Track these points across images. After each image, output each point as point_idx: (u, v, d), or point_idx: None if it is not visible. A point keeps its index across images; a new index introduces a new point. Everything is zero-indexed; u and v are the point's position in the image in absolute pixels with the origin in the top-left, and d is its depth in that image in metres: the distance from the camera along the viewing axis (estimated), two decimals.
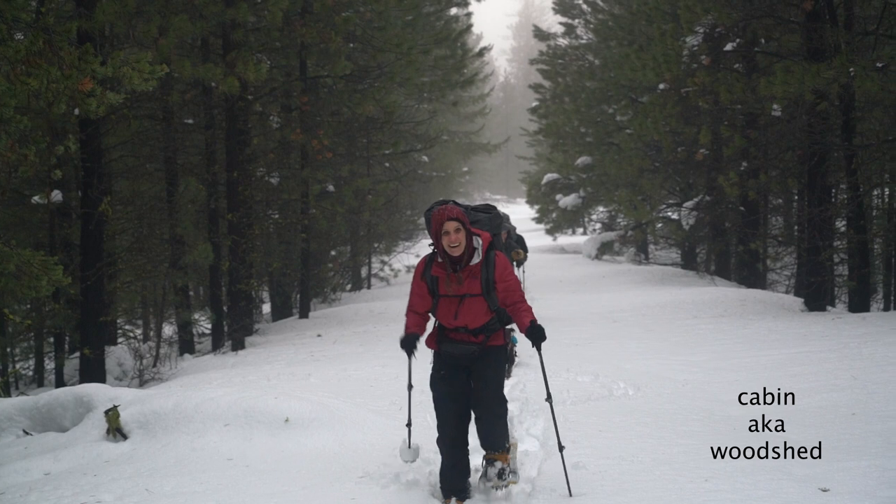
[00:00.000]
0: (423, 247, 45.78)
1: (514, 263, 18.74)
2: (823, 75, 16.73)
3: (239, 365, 17.12)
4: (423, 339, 7.68)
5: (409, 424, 8.13)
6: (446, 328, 7.59)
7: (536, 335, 7.34)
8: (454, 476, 7.59)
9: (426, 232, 8.43)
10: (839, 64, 16.61)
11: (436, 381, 7.67)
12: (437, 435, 7.71)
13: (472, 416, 7.74)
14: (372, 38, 24.68)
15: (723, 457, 8.29)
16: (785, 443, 8.62)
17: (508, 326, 7.87)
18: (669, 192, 35.16)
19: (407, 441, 8.03)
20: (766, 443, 8.67)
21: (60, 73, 9.42)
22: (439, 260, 7.40)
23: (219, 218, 21.80)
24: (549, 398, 7.87)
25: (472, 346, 7.47)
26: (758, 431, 9.22)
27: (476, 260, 7.36)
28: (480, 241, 7.43)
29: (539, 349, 7.51)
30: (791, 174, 24.03)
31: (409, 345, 7.62)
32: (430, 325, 7.78)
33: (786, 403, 10.46)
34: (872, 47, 17.72)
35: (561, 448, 7.71)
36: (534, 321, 7.36)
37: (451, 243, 7.23)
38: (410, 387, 8.27)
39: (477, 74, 42.19)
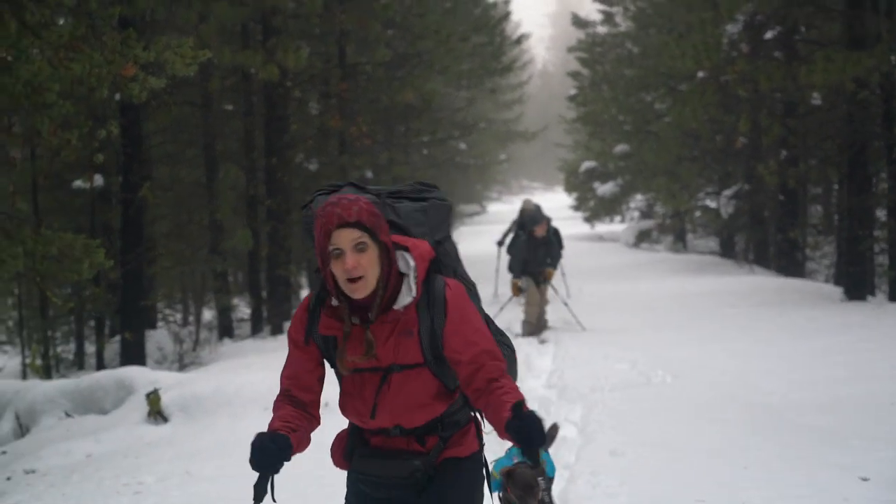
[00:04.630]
0: (464, 234, 45.58)
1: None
2: (864, 64, 16.60)
3: (278, 349, 17.12)
4: (302, 447, 3.92)
5: None
6: (363, 429, 4.05)
7: (528, 433, 3.42)
8: None
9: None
10: (880, 52, 16.48)
11: None
12: None
13: None
14: (411, 24, 24.65)
15: (761, 445, 8.27)
16: (824, 432, 8.60)
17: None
18: (708, 180, 35.00)
19: None
20: (805, 432, 8.65)
21: (103, 59, 9.48)
22: (333, 303, 3.80)
23: (258, 204, 21.85)
24: None
25: (411, 463, 3.90)
26: (796, 420, 9.18)
27: (406, 300, 3.75)
28: (412, 262, 3.79)
29: (535, 457, 3.45)
30: (831, 163, 23.87)
31: (265, 461, 3.71)
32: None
33: (825, 392, 10.42)
34: None
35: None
36: (521, 405, 3.47)
37: (347, 272, 3.61)
38: None
39: (515, 62, 42.09)
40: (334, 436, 4.22)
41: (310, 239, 3.99)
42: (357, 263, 3.60)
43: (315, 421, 3.99)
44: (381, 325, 3.75)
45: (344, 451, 4.14)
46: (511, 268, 16.57)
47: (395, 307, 3.75)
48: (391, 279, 3.74)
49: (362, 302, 3.72)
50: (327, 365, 4.00)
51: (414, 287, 3.75)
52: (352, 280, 3.63)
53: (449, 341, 3.76)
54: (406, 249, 3.82)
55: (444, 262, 4.03)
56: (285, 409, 3.90)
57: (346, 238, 3.60)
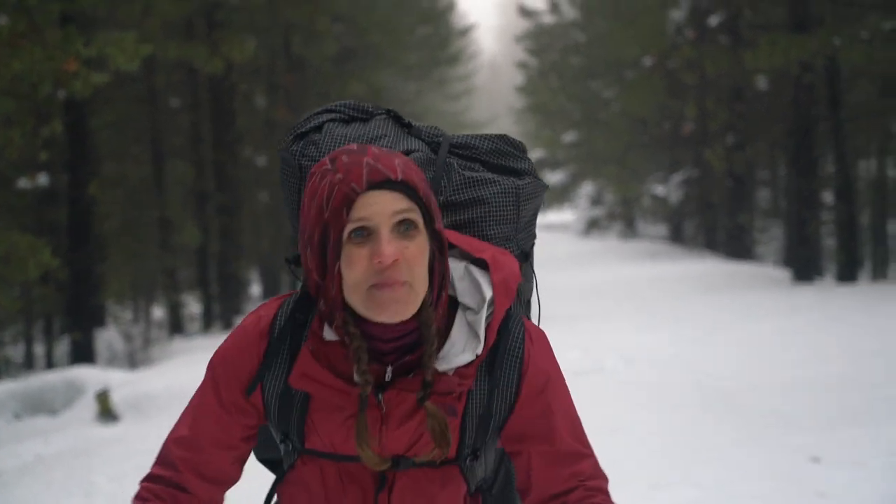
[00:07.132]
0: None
1: None
2: (808, 47, 16.73)
3: None
4: None
5: None
6: None
7: None
8: None
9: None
10: (824, 35, 16.61)
11: None
12: None
13: None
14: (358, 17, 24.60)
15: (715, 428, 8.31)
16: (775, 413, 8.65)
17: None
18: (657, 167, 35.19)
19: None
20: (757, 413, 8.69)
21: (44, 55, 9.39)
22: (326, 336, 1.92)
23: (207, 199, 21.74)
24: None
25: None
26: (748, 402, 9.23)
27: (465, 356, 1.92)
28: (489, 291, 1.96)
29: None
30: (777, 147, 24.08)
31: None
32: None
33: (776, 374, 10.48)
34: (857, 18, 17.72)
35: None
36: None
37: (380, 267, 1.78)
38: None
39: (462, 52, 42.24)
40: None
41: (292, 196, 2.35)
42: (399, 252, 1.82)
43: None
44: (399, 393, 1.95)
45: None
46: None
47: (441, 367, 1.94)
48: (440, 303, 1.96)
49: (392, 341, 1.94)
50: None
51: (484, 334, 1.96)
52: (386, 284, 1.82)
53: (519, 434, 2.12)
54: (483, 265, 2.03)
55: (519, 294, 2.21)
56: None
57: (382, 207, 1.82)
